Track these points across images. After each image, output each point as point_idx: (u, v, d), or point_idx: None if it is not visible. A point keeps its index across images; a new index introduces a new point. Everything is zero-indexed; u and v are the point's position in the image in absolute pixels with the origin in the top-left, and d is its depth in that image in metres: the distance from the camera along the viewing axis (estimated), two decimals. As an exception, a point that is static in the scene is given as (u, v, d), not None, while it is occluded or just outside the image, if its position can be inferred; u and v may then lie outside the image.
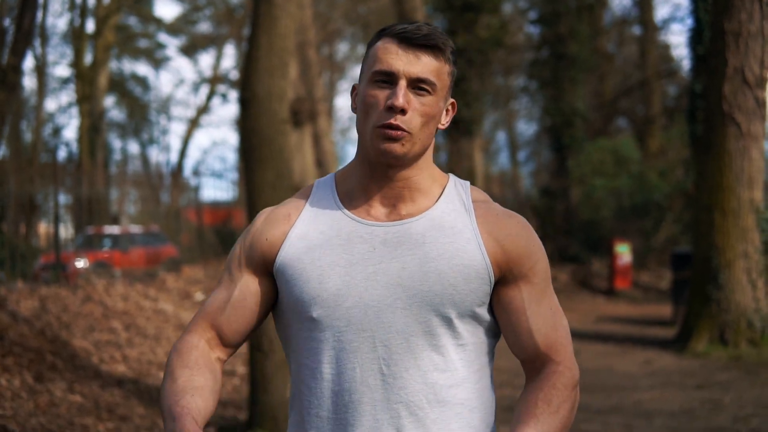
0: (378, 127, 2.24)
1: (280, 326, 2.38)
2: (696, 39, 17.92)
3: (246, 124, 9.21)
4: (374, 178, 2.31)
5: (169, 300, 16.16)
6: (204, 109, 47.23)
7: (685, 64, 30.59)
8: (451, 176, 2.43)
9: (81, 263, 20.95)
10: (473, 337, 2.29)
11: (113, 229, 24.44)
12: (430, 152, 2.35)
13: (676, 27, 66.51)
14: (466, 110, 27.82)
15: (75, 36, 36.93)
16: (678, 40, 67.66)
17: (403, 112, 2.23)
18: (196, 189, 29.39)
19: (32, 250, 21.50)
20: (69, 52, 41.09)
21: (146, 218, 28.95)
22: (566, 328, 2.39)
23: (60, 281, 17.35)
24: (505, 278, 2.31)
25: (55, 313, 13.63)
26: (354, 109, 2.38)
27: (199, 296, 16.46)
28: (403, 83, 2.25)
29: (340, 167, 2.48)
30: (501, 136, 48.05)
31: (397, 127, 2.22)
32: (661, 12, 70.12)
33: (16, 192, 21.82)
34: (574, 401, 2.29)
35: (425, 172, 2.33)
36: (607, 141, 29.36)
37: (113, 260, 22.14)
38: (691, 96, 15.59)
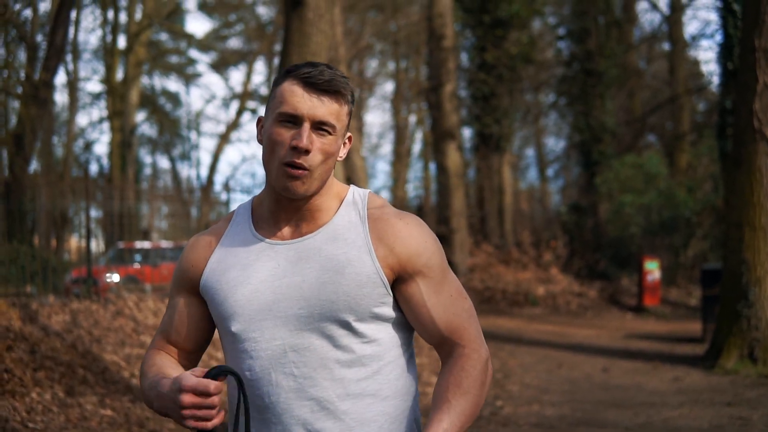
0: (283, 164, 2.48)
1: (220, 336, 2.66)
2: (726, 55, 17.84)
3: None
4: (280, 204, 2.57)
5: (199, 315, 16.24)
6: (234, 125, 47.40)
7: (715, 79, 30.45)
8: (351, 187, 2.67)
9: (112, 278, 21.07)
10: (380, 333, 2.53)
11: (144, 244, 24.56)
12: (330, 179, 2.59)
13: (705, 43, 66.14)
14: (495, 126, 27.88)
15: (106, 52, 37.24)
16: (707, 55, 67.25)
17: (306, 152, 2.47)
18: (227, 204, 29.50)
19: (63, 264, 21.65)
20: (100, 68, 41.43)
21: (176, 233, 29.06)
22: (469, 311, 2.59)
23: (91, 295, 17.46)
24: (401, 277, 2.53)
25: (87, 328, 13.72)
26: (260, 141, 2.61)
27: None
28: (307, 125, 2.49)
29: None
30: (530, 153, 48.00)
31: (300, 166, 2.46)
32: (690, 28, 69.81)
33: (47, 206, 22.00)
34: (483, 380, 2.51)
35: (325, 196, 2.59)
36: (634, 157, 29.29)
37: (144, 275, 22.23)
38: (721, 112, 15.57)
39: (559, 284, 26.45)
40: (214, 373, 2.32)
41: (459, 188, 25.63)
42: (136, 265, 23.19)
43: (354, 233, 2.54)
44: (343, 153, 2.61)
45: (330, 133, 2.51)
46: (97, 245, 24.37)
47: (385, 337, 2.54)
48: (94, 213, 25.57)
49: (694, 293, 25.44)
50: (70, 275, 20.93)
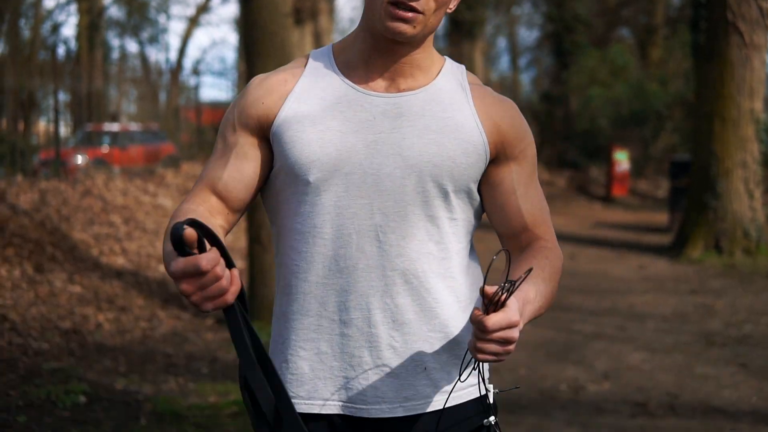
0: (391, 3, 2.13)
1: (269, 194, 2.32)
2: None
3: (248, 18, 9.17)
4: (377, 51, 2.25)
5: (168, 195, 16.20)
6: (203, 8, 46.72)
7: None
8: (447, 58, 2.39)
9: (80, 159, 20.95)
10: (464, 213, 2.28)
11: (112, 127, 24.37)
12: (432, 34, 2.30)
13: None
14: (468, 12, 27.62)
15: (74, -70, 36.49)
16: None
17: None
18: (195, 88, 29.26)
19: (31, 147, 21.46)
20: (68, -52, 40.60)
21: (145, 117, 28.87)
22: (548, 210, 2.40)
23: (60, 176, 17.37)
24: (498, 158, 2.29)
25: (55, 207, 13.68)
26: None
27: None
28: None
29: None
30: (502, 42, 47.68)
31: (412, 9, 2.13)
32: None
33: (14, 88, 21.72)
34: (559, 278, 2.30)
35: (426, 52, 2.28)
36: (598, 51, 29.13)
37: (112, 157, 22.13)
38: (695, 5, 15.47)
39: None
40: (180, 229, 1.79)
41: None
42: (105, 148, 23.03)
43: (459, 100, 2.28)
44: (453, 4, 2.27)
45: None
46: (65, 128, 24.12)
47: (466, 219, 2.29)
48: (62, 96, 25.29)
49: (662, 185, 25.57)
50: (38, 157, 20.79)
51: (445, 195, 2.22)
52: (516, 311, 1.92)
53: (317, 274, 2.21)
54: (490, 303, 1.88)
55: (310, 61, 2.32)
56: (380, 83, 2.25)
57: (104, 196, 14.84)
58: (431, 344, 2.24)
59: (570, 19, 28.51)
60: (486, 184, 2.31)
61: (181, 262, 1.81)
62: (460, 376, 2.20)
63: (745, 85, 13.93)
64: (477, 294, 2.29)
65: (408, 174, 2.19)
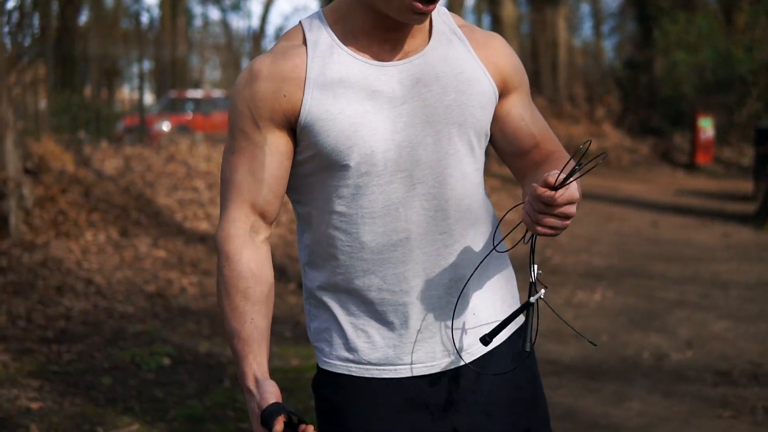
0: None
1: (297, 176, 2.31)
2: None
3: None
4: (381, 26, 2.24)
5: (251, 161, 16.30)
6: (286, -25, 46.93)
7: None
8: None
9: (164, 126, 21.18)
10: (482, 157, 2.37)
11: (195, 93, 24.58)
12: None
13: None
14: (551, -22, 27.38)
15: None
16: None
17: None
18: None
19: (115, 114, 21.75)
20: None
21: (228, 84, 29.07)
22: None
23: (144, 142, 17.58)
24: (501, 94, 2.38)
25: (140, 172, 13.86)
26: None
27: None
28: None
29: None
30: (585, 8, 47.20)
31: (434, 1, 2.15)
32: None
33: (98, 56, 22.01)
34: None
35: None
36: (684, 14, 28.68)
37: (195, 124, 22.32)
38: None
39: (611, 139, 26.28)
40: (272, 421, 2.06)
41: (513, 40, 25.21)
42: (188, 114, 23.24)
43: (460, 51, 2.33)
44: None
45: None
46: (148, 95, 24.42)
47: (482, 162, 2.39)
48: (146, 63, 25.59)
49: (747, 152, 25.17)
50: (122, 124, 21.06)
51: (472, 148, 2.31)
52: (576, 190, 2.02)
53: (372, 251, 2.27)
54: (560, 185, 1.99)
55: (308, 36, 2.28)
56: (386, 51, 2.26)
57: (188, 161, 15.00)
58: (479, 292, 2.37)
59: (655, -17, 28.14)
60: (495, 118, 2.41)
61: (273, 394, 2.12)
62: (520, 241, 2.26)
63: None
64: (491, 230, 2.42)
65: (438, 139, 2.25)
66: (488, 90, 2.32)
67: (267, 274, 2.27)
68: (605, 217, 15.23)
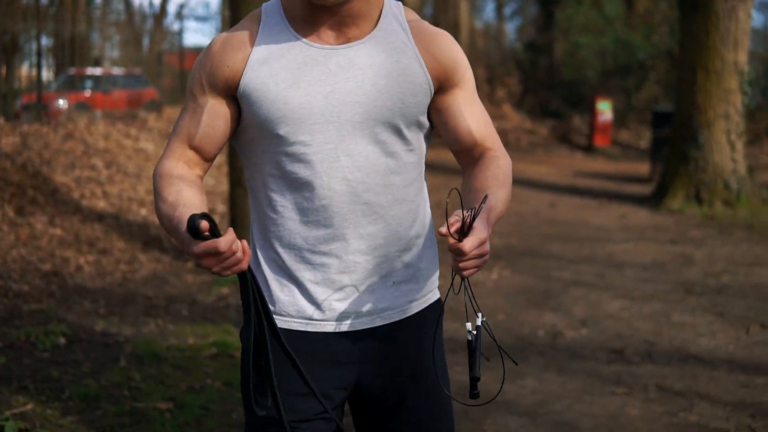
0: None
1: (242, 141, 2.58)
2: None
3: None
4: (317, 9, 2.45)
5: (150, 139, 16.15)
6: (188, -48, 46.45)
7: None
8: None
9: (62, 103, 20.84)
10: (417, 142, 2.58)
11: (95, 71, 24.22)
12: None
13: None
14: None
15: None
16: None
17: None
18: (179, 33, 29.11)
19: (13, 91, 21.33)
20: None
21: (128, 62, 28.69)
22: (493, 126, 2.72)
23: (42, 120, 17.30)
24: (441, 88, 2.56)
25: (37, 150, 13.64)
26: None
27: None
28: None
29: None
30: (487, -10, 47.43)
31: None
32: None
33: (-3, 32, 21.55)
34: (511, 182, 2.63)
35: (363, 1, 2.48)
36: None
37: (94, 101, 22.01)
38: (680, -45, 15.40)
39: (511, 121, 26.50)
40: (196, 221, 2.13)
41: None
42: (87, 92, 22.89)
43: (401, 42, 2.52)
44: None
45: None
46: (47, 72, 23.99)
47: (420, 147, 2.59)
48: (45, 40, 25.11)
49: (645, 135, 25.57)
50: (20, 101, 20.67)
51: (398, 132, 2.51)
52: (483, 229, 2.26)
53: (298, 212, 2.51)
54: (461, 231, 2.23)
55: (263, 18, 2.54)
56: (330, 35, 2.49)
57: (86, 139, 14.81)
58: (399, 263, 2.58)
59: (556, -35, 28.36)
60: (435, 110, 2.60)
61: (201, 246, 2.13)
62: (448, 291, 2.45)
63: (729, 36, 13.92)
64: (429, 212, 2.71)
65: (365, 119, 2.46)
66: (420, 80, 2.51)
67: (199, 188, 2.50)
68: (505, 198, 15.33)
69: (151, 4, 45.60)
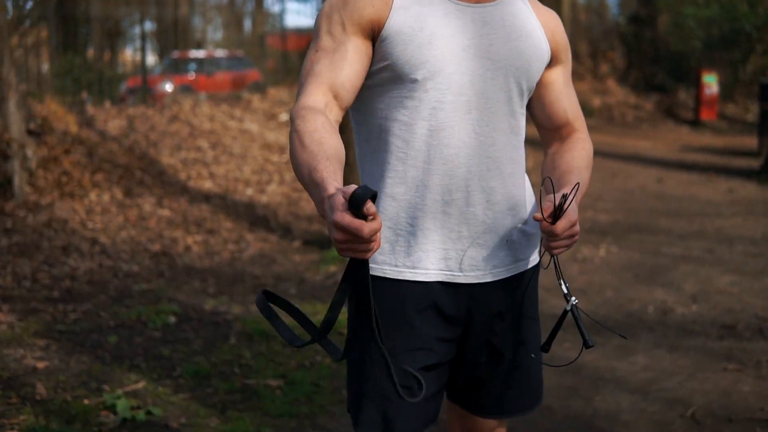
0: None
1: (367, 86, 2.55)
2: None
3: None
4: None
5: (255, 120, 16.26)
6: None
7: None
8: None
9: (167, 86, 21.13)
10: (525, 108, 2.67)
11: (198, 54, 24.49)
12: None
13: None
14: (554, -68, 27.16)
15: None
16: None
17: None
18: (280, 15, 29.27)
19: (117, 76, 21.68)
20: None
21: (230, 45, 28.94)
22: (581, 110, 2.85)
23: (147, 103, 17.54)
24: (550, 62, 2.69)
25: (143, 132, 13.84)
26: None
27: (284, 117, 16.52)
28: None
29: None
30: (588, -37, 46.92)
31: None
32: None
33: (100, 18, 21.92)
34: (592, 163, 2.75)
35: None
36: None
37: (198, 84, 22.26)
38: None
39: (616, 96, 26.19)
40: (365, 197, 1.90)
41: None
42: (191, 75, 23.16)
43: (525, 11, 2.64)
44: None
45: None
46: (151, 56, 24.32)
47: (525, 110, 2.66)
48: (148, 24, 25.47)
49: (752, 108, 25.10)
50: (125, 85, 21.01)
51: (521, 93, 2.59)
52: (574, 211, 2.36)
53: (423, 161, 2.49)
54: (553, 214, 2.34)
55: None
56: None
57: (191, 121, 14.98)
58: (513, 221, 2.61)
59: (659, -62, 27.90)
60: (540, 84, 2.71)
61: (346, 220, 1.92)
62: (540, 263, 2.70)
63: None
64: (523, 173, 2.71)
65: (496, 75, 2.52)
66: (544, 47, 2.62)
67: (339, 138, 2.37)
68: (610, 174, 15.20)
69: (252, -13, 45.91)
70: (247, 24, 34.67)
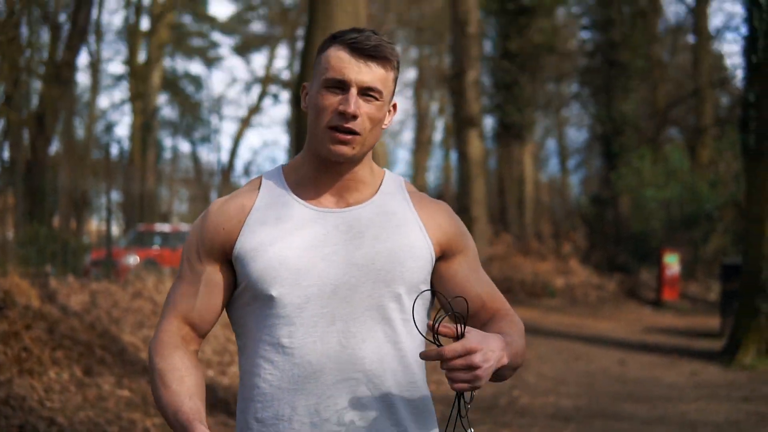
0: (330, 128, 2.45)
1: (235, 307, 2.56)
2: (750, 48, 17.47)
3: (300, 120, 9.28)
4: (323, 171, 2.52)
5: (218, 298, 16.21)
6: (255, 109, 47.47)
7: (739, 73, 30.14)
8: (386, 170, 2.67)
9: (131, 260, 21.13)
10: (417, 313, 2.51)
11: (164, 227, 24.60)
12: (371, 150, 2.57)
13: (730, 36, 65.81)
14: (517, 115, 27.79)
15: (130, 33, 37.33)
16: (732, 48, 66.98)
17: (354, 117, 2.44)
18: (246, 188, 29.41)
19: (83, 246, 21.68)
20: (123, 50, 41.63)
21: (196, 217, 29.10)
22: (496, 287, 2.72)
23: (110, 277, 17.50)
24: (445, 255, 2.59)
25: (105, 308, 13.77)
26: (305, 107, 2.60)
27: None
28: (354, 91, 2.45)
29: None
30: (551, 144, 47.82)
31: (349, 131, 2.43)
32: (715, 21, 69.57)
33: (68, 187, 22.02)
34: (524, 342, 2.55)
35: (367, 167, 2.57)
36: (650, 152, 29.03)
37: (163, 258, 22.29)
38: (744, 105, 15.44)
39: (578, 276, 26.41)
40: None
41: (480, 177, 25.35)
42: (156, 248, 23.22)
43: (402, 208, 2.57)
44: (388, 120, 2.60)
45: (377, 99, 2.49)
46: (117, 227, 24.39)
47: (421, 318, 2.56)
48: (115, 195, 25.62)
49: (714, 288, 25.36)
50: (90, 257, 21.02)
51: (398, 298, 2.48)
52: (474, 340, 2.20)
53: (288, 381, 2.44)
54: (451, 337, 2.19)
55: (263, 182, 2.58)
56: (330, 199, 2.53)
57: (154, 298, 14.93)
58: (389, 429, 2.46)
59: (619, 121, 28.54)
60: (441, 278, 2.61)
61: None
62: (450, 415, 2.41)
63: (796, 187, 13.88)
64: (425, 378, 2.60)
65: (363, 282, 2.45)
66: (422, 246, 2.53)
67: (199, 372, 2.46)
68: (573, 356, 15.21)
69: (219, 161, 46.42)
70: (214, 196, 34.96)
